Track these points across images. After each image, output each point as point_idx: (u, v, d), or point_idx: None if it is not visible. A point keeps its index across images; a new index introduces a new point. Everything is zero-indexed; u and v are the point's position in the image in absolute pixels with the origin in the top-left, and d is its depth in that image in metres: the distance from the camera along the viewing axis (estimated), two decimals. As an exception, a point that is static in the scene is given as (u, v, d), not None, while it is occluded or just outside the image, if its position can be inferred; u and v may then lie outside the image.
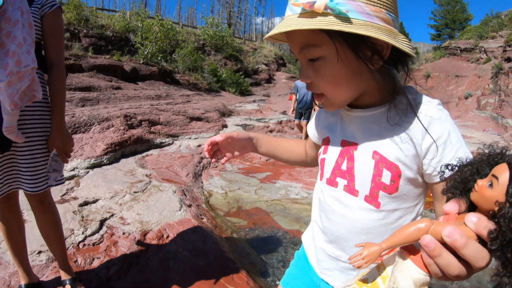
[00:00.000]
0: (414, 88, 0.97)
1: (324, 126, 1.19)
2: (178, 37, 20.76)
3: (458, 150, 0.88)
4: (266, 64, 30.54)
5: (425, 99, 0.93)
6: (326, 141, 1.14)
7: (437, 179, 0.89)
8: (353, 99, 0.98)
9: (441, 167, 0.81)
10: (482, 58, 24.30)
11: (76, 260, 2.88)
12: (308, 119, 8.90)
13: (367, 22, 0.80)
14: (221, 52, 26.79)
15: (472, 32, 29.88)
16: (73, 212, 3.67)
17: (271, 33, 0.90)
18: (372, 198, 0.97)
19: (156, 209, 3.80)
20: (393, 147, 0.93)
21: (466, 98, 20.17)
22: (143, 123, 7.89)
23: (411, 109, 0.91)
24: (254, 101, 19.69)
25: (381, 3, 0.83)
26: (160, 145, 7.58)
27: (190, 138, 8.53)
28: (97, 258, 2.90)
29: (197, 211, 3.93)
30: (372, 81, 0.92)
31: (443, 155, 0.88)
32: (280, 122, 12.62)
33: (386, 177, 0.94)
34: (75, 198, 4.00)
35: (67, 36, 15.03)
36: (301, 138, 8.93)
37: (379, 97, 0.98)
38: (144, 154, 6.47)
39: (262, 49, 34.10)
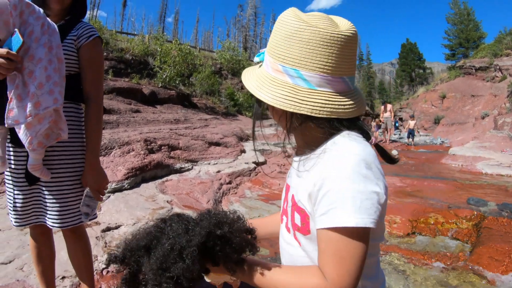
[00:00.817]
0: (344, 138, 0.98)
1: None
2: (195, 61, 21.04)
3: (329, 211, 0.88)
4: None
5: (341, 150, 0.94)
6: None
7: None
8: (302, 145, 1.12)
9: None
10: (497, 76, 24.15)
11: (100, 287, 2.91)
12: None
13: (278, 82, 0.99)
14: (238, 76, 26.98)
15: (486, 50, 29.78)
16: (96, 237, 3.71)
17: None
18: (296, 237, 1.07)
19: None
20: (302, 193, 1.01)
21: (483, 118, 19.90)
22: (162, 147, 7.95)
23: (320, 160, 0.98)
24: (271, 125, 19.64)
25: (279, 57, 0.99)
26: (180, 170, 7.62)
27: (209, 164, 8.56)
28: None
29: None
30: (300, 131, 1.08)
31: (317, 209, 0.93)
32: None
33: (297, 219, 1.04)
34: (97, 223, 4.03)
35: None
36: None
37: (306, 146, 1.09)
38: (164, 179, 6.50)
39: (278, 73, 34.50)
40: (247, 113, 21.24)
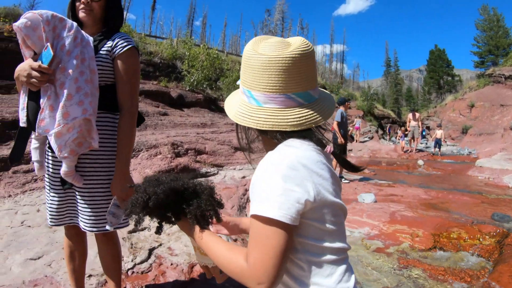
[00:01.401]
0: (283, 145, 1.10)
1: None
2: (223, 66, 21.15)
3: (253, 202, 1.03)
4: (309, 93, 30.61)
5: (272, 153, 1.08)
6: None
7: None
8: None
9: None
10: (527, 86, 23.41)
11: (125, 287, 2.99)
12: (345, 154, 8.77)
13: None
14: (265, 81, 27.06)
15: (516, 58, 28.86)
16: (123, 238, 3.82)
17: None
18: None
19: (198, 243, 3.88)
20: None
21: (512, 128, 19.38)
22: (189, 151, 8.07)
23: None
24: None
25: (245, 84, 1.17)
26: (205, 175, 7.69)
27: (234, 169, 8.59)
28: (146, 286, 2.99)
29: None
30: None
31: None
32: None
33: None
34: (125, 225, 4.16)
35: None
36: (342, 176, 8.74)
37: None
38: (190, 183, 6.60)
39: (304, 78, 34.29)
40: (273, 118, 21.05)
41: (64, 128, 1.81)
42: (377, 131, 28.27)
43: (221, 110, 17.13)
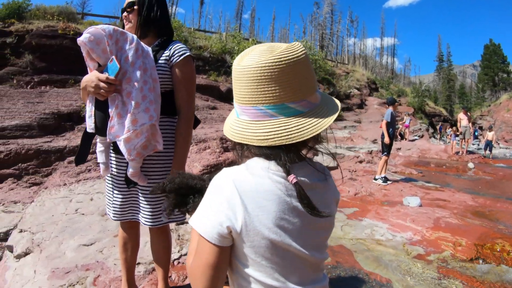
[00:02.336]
0: (235, 167, 1.09)
1: None
2: (272, 60, 21.14)
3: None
4: (358, 89, 29.97)
5: (224, 169, 1.09)
6: None
7: None
8: None
9: None
10: None
11: (171, 276, 3.14)
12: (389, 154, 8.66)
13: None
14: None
15: None
16: (171, 230, 3.99)
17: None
18: None
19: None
20: None
21: None
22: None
23: None
24: (345, 127, 19.36)
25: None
26: (252, 170, 7.83)
27: (279, 165, 8.64)
28: None
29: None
30: None
31: None
32: (370, 152, 12.42)
33: None
34: (173, 217, 4.33)
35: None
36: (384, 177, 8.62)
37: None
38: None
39: (354, 73, 33.57)
40: (323, 113, 20.74)
41: (133, 134, 1.97)
42: (427, 130, 27.41)
43: (269, 104, 17.13)
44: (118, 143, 2.03)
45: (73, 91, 10.34)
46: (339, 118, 22.09)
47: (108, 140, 2.05)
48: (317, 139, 1.13)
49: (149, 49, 2.17)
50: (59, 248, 3.69)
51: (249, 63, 1.00)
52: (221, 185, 1.02)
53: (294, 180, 0.97)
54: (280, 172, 1.00)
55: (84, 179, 6.06)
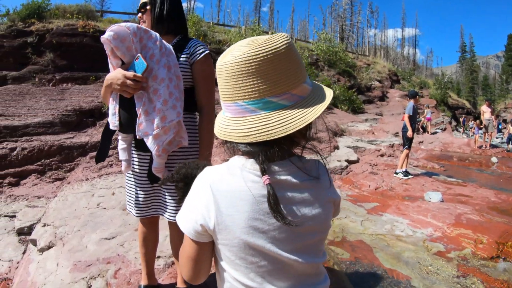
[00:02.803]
0: (219, 165, 1.12)
1: None
2: (291, 53, 21.01)
3: None
4: (379, 81, 29.52)
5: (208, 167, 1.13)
6: None
7: None
8: None
9: None
10: None
11: None
12: (410, 147, 8.52)
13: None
14: (334, 67, 26.30)
15: None
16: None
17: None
18: None
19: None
20: None
21: None
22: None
23: None
24: (366, 120, 19.13)
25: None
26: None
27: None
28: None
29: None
30: None
31: None
32: (392, 146, 12.25)
33: None
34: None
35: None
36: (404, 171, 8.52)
37: None
38: (259, 172, 6.70)
39: (375, 65, 33.09)
40: (342, 106, 20.48)
41: (162, 130, 2.01)
42: (450, 122, 26.89)
43: (289, 97, 17.01)
44: (145, 139, 2.06)
45: (94, 88, 10.49)
46: (361, 111, 21.88)
47: (138, 137, 2.08)
48: (305, 134, 1.08)
49: (171, 47, 2.19)
50: (81, 242, 3.78)
51: (228, 59, 0.97)
52: (199, 185, 1.05)
53: (267, 181, 0.93)
54: (257, 171, 0.97)
55: (106, 174, 6.16)
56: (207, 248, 1.07)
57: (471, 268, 3.65)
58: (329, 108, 18.66)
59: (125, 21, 16.81)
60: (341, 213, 5.35)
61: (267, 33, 23.03)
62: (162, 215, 2.44)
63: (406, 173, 8.05)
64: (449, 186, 7.21)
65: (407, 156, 8.34)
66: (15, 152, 6.50)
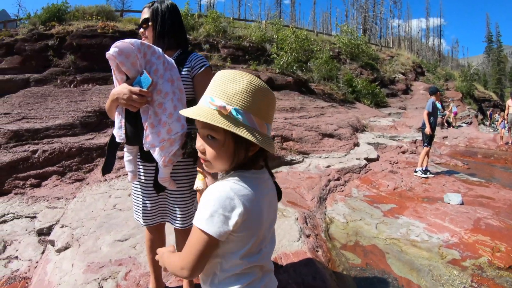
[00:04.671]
0: (242, 171, 1.31)
1: None
2: (313, 48, 20.84)
3: (196, 213, 1.25)
4: (403, 73, 29.06)
5: (224, 180, 1.28)
6: None
7: None
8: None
9: None
10: None
11: None
12: (431, 145, 8.35)
13: (250, 128, 1.21)
14: (357, 60, 26.06)
15: None
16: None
17: (190, 115, 1.27)
18: None
19: (276, 235, 3.92)
20: None
21: None
22: (275, 138, 8.18)
23: None
24: (389, 114, 18.83)
25: (263, 116, 1.27)
26: (290, 162, 7.81)
27: (320, 157, 8.59)
28: None
29: (314, 242, 4.03)
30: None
31: None
32: (415, 141, 12.04)
33: None
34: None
35: (206, 48, 16.32)
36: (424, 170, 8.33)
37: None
38: (274, 171, 6.68)
39: (399, 57, 32.58)
40: (365, 100, 20.26)
41: (168, 142, 2.10)
42: (476, 116, 26.29)
43: (312, 92, 17.02)
44: (152, 151, 2.14)
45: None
46: (384, 105, 21.57)
47: (145, 148, 2.15)
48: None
49: (173, 61, 2.26)
50: (96, 243, 3.88)
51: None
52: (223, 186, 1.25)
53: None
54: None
55: (124, 175, 6.24)
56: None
57: (486, 279, 3.54)
58: (351, 102, 18.48)
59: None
60: (356, 214, 5.32)
61: (287, 26, 22.85)
62: (169, 222, 2.55)
63: (425, 171, 7.92)
64: (470, 186, 7.02)
65: (427, 153, 8.18)
66: (36, 155, 6.66)
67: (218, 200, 1.19)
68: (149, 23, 2.41)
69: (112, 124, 8.30)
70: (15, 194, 6.06)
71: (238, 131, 1.18)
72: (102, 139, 7.59)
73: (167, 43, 2.43)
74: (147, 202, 2.47)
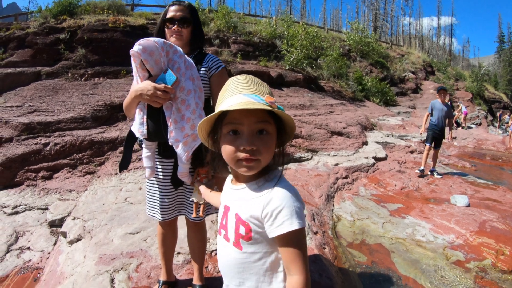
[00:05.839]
0: (278, 171, 1.40)
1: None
2: (323, 45, 20.77)
3: (285, 222, 1.23)
4: (413, 72, 28.89)
5: (279, 184, 1.32)
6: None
7: (272, 235, 1.27)
8: None
9: None
10: None
11: (207, 267, 3.33)
12: (439, 147, 8.28)
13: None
14: (367, 58, 26.01)
15: None
16: (211, 221, 4.15)
17: (262, 107, 1.24)
18: (236, 244, 1.38)
19: (284, 233, 4.01)
20: (246, 210, 1.34)
21: None
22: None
23: (265, 189, 1.32)
24: (398, 113, 18.71)
25: None
26: (299, 160, 7.86)
27: (328, 155, 8.62)
28: None
29: (321, 239, 4.08)
30: None
31: (273, 222, 1.25)
32: (423, 141, 12.01)
33: (242, 230, 1.35)
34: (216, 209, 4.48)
35: (217, 43, 16.28)
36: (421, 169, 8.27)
37: (257, 175, 1.38)
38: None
39: (409, 55, 32.40)
40: (374, 99, 20.17)
41: (191, 137, 2.20)
42: (486, 117, 26.08)
43: (321, 90, 17.04)
44: (175, 146, 2.22)
45: (125, 82, 10.76)
46: (393, 104, 21.49)
47: (170, 143, 2.23)
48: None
49: (191, 60, 2.35)
50: (108, 236, 3.96)
51: None
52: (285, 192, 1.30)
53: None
54: None
55: (134, 168, 6.32)
56: None
57: (489, 281, 3.57)
58: (360, 100, 18.39)
59: (155, 14, 17.04)
60: (363, 213, 5.36)
61: (298, 23, 22.77)
62: (185, 215, 2.66)
63: (432, 172, 7.96)
64: (477, 188, 7.02)
65: (431, 152, 8.24)
66: (48, 147, 6.76)
67: (291, 199, 1.27)
68: (189, 25, 2.49)
69: (123, 118, 8.44)
70: (27, 186, 6.18)
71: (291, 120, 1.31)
72: (113, 133, 7.68)
73: (197, 45, 2.57)
74: (165, 197, 2.56)
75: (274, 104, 1.26)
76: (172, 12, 2.44)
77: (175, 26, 2.44)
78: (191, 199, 2.10)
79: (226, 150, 1.32)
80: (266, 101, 1.25)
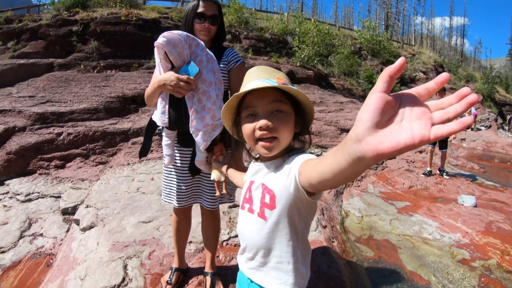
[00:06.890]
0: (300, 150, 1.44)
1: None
2: (334, 42, 20.70)
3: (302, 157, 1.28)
4: (424, 72, 28.62)
5: (301, 155, 1.32)
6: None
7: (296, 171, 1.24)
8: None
9: None
10: None
11: (218, 256, 3.41)
12: (445, 148, 8.21)
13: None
14: (378, 57, 25.76)
15: None
16: (223, 212, 4.25)
17: (274, 85, 1.30)
18: (261, 214, 1.40)
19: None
20: (273, 178, 1.38)
21: None
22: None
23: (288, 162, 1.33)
24: (407, 111, 18.68)
25: None
26: (308, 156, 7.90)
27: (338, 152, 8.59)
28: (236, 258, 3.35)
29: (330, 233, 4.15)
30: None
31: (293, 165, 1.27)
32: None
33: (267, 198, 1.37)
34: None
35: (228, 38, 16.29)
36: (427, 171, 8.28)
37: (282, 152, 1.42)
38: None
39: (421, 55, 32.14)
40: (384, 97, 19.90)
41: (211, 127, 2.27)
42: (496, 120, 25.89)
43: (332, 87, 16.98)
44: (195, 135, 2.29)
45: (137, 75, 10.84)
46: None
47: (191, 132, 2.30)
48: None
49: (212, 54, 2.41)
50: (120, 224, 4.05)
51: None
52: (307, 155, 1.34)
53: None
54: None
55: (146, 160, 6.40)
56: None
57: (493, 280, 3.61)
58: (371, 100, 18.26)
59: (167, 8, 17.08)
60: (371, 210, 5.41)
61: (309, 19, 22.73)
62: (200, 203, 2.73)
63: (442, 172, 7.97)
64: (485, 190, 7.01)
65: (437, 154, 8.24)
66: (61, 137, 6.88)
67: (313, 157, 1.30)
68: (216, 21, 2.56)
69: (135, 110, 8.54)
70: (40, 174, 6.29)
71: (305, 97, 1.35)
72: (125, 124, 7.79)
73: (221, 41, 2.67)
74: (182, 185, 2.63)
75: (285, 84, 1.31)
76: (203, 8, 2.49)
77: (206, 23, 2.50)
78: (211, 178, 2.19)
79: (245, 131, 1.39)
80: (277, 82, 1.31)
